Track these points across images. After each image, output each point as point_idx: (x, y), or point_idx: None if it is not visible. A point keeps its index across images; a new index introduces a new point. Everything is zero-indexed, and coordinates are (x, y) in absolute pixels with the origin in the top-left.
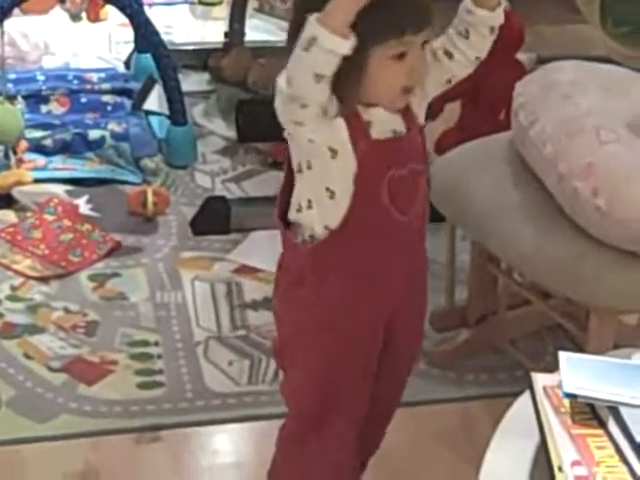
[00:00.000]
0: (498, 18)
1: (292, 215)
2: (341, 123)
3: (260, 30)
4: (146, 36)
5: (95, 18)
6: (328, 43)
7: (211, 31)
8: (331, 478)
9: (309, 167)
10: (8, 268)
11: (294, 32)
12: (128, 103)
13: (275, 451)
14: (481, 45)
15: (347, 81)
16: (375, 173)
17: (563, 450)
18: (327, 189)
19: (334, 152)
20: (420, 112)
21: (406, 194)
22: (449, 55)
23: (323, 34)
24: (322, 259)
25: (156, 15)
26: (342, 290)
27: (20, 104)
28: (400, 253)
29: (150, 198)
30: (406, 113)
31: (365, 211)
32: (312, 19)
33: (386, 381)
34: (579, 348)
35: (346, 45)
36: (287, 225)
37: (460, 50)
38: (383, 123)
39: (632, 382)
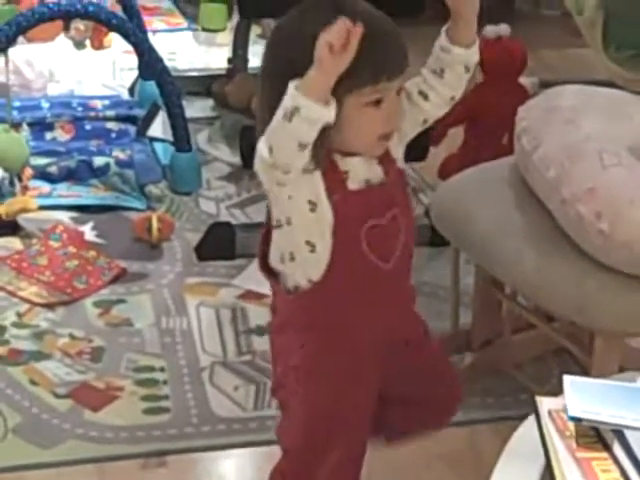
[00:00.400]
0: (474, 56)
1: (275, 265)
2: (318, 176)
3: None
4: (150, 63)
5: (99, 46)
6: (311, 113)
7: (214, 57)
8: None
9: (289, 223)
10: (14, 295)
11: (265, 110)
12: (132, 130)
13: None
14: (456, 84)
15: (323, 131)
16: (352, 224)
17: (568, 473)
18: (307, 242)
19: (313, 205)
20: (399, 155)
21: (387, 242)
22: (424, 96)
23: (305, 104)
24: (306, 309)
25: (160, 42)
26: (327, 338)
27: (25, 131)
28: (385, 298)
29: (155, 224)
30: (384, 159)
31: (346, 262)
32: (292, 89)
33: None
34: (584, 371)
35: (329, 112)
36: (270, 272)
37: (435, 90)
38: (360, 173)
39: (637, 405)
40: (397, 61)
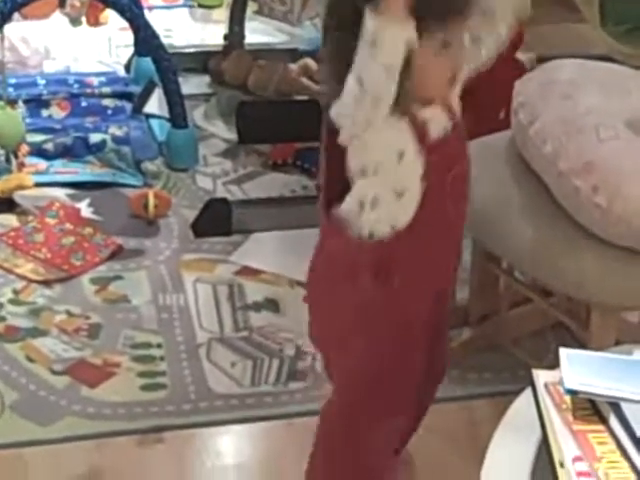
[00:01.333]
0: None
1: (350, 214)
2: (405, 125)
3: (259, 32)
4: (146, 40)
5: (95, 22)
6: (391, 31)
7: (211, 34)
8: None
9: (375, 171)
10: (10, 272)
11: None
12: (129, 106)
13: (317, 438)
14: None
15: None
16: (439, 173)
17: (564, 446)
18: (394, 191)
19: (401, 155)
20: (456, 105)
21: (460, 192)
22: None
23: (384, 24)
24: (384, 257)
25: (156, 18)
26: (406, 290)
27: (21, 108)
28: (453, 247)
29: (151, 201)
30: (449, 109)
31: (430, 211)
32: (370, 13)
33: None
34: (581, 346)
35: (409, 29)
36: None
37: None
38: (437, 122)
39: (633, 378)
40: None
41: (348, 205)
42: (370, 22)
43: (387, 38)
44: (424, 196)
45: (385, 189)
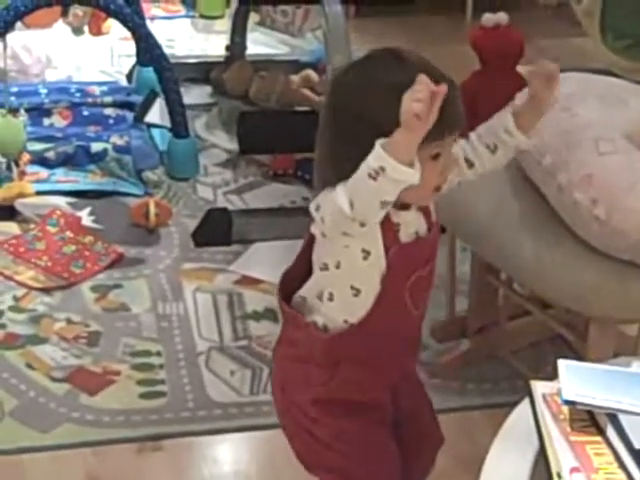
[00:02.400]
0: (529, 143)
1: (311, 300)
2: (377, 227)
3: (261, 43)
4: (148, 49)
5: (97, 32)
6: (397, 174)
7: (213, 44)
8: None
9: (337, 267)
10: (11, 279)
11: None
12: (130, 116)
13: None
14: (502, 162)
15: None
16: (402, 275)
17: (562, 457)
18: (352, 287)
19: (367, 254)
20: (433, 207)
21: (422, 291)
22: (470, 164)
23: (391, 165)
24: (336, 348)
25: (158, 29)
26: (352, 375)
27: (23, 117)
28: (407, 340)
29: (152, 210)
30: (426, 212)
31: (386, 309)
32: (378, 149)
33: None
34: (579, 358)
35: (415, 174)
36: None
37: (482, 163)
38: (410, 225)
39: (630, 389)
40: (459, 115)
41: (309, 291)
42: (376, 158)
43: (390, 177)
44: (382, 295)
45: (344, 284)
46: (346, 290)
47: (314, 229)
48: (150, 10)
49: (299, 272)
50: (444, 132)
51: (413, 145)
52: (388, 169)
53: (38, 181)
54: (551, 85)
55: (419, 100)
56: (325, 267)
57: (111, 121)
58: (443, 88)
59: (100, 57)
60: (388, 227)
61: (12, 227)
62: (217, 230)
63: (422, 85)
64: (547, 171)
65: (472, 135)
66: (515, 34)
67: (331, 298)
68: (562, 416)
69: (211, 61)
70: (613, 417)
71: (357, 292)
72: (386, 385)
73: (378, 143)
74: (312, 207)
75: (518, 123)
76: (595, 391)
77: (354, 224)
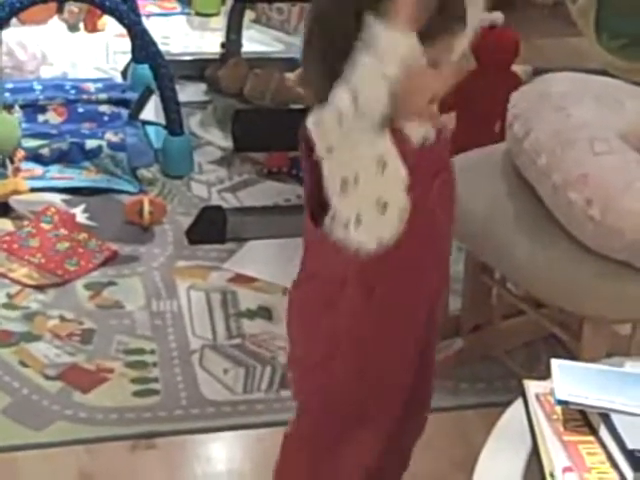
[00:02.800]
0: None
1: (338, 233)
2: (385, 134)
3: (257, 41)
4: (143, 47)
5: (93, 28)
6: (399, 41)
7: (208, 42)
8: None
9: (356, 181)
10: (4, 276)
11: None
12: (125, 113)
13: (279, 459)
14: None
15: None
16: (424, 181)
17: (555, 456)
18: (377, 204)
19: (383, 164)
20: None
21: (448, 200)
22: None
23: (392, 33)
24: (372, 272)
25: (153, 26)
26: (388, 302)
27: (17, 113)
28: (442, 258)
29: (146, 207)
30: (430, 118)
31: (417, 221)
32: (375, 21)
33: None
34: (573, 357)
35: (415, 41)
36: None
37: None
38: (419, 131)
39: (623, 389)
40: (464, 11)
41: (330, 225)
42: (376, 31)
43: (394, 49)
44: (411, 207)
45: (367, 203)
46: (372, 208)
47: (318, 149)
48: (146, 7)
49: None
50: (437, 35)
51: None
52: (390, 39)
53: (32, 178)
54: None
55: None
56: (345, 184)
57: (106, 118)
58: None
59: (95, 54)
60: (397, 135)
61: (6, 224)
62: (211, 228)
63: None
64: (542, 171)
65: None
66: (510, 34)
67: (359, 220)
68: (555, 416)
69: (206, 58)
70: (606, 417)
71: (384, 207)
72: (421, 313)
73: (372, 15)
74: (311, 123)
75: None
76: (588, 391)
77: (359, 121)
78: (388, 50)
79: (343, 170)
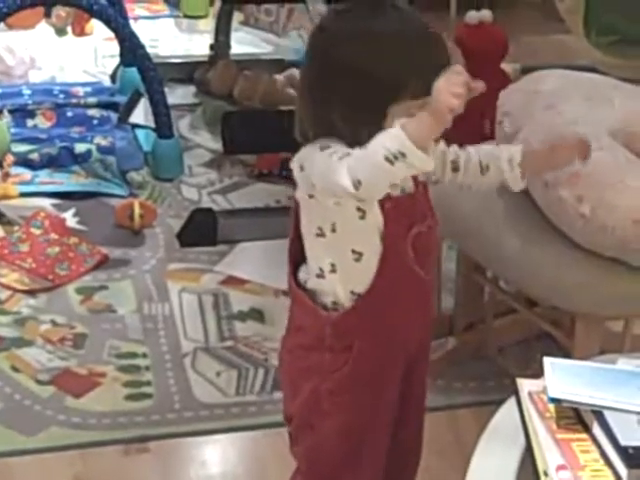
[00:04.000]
0: (520, 185)
1: (311, 282)
2: None
3: (245, 43)
4: (132, 50)
5: (80, 32)
6: (417, 161)
7: (197, 44)
8: None
9: (333, 230)
10: None
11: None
12: (114, 117)
13: None
14: (480, 186)
15: (363, 141)
16: (401, 230)
17: (548, 454)
18: (353, 251)
19: (363, 213)
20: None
21: (425, 250)
22: (455, 169)
23: (412, 151)
24: (348, 327)
25: (141, 29)
26: (367, 356)
27: (6, 118)
28: (420, 308)
29: (137, 211)
30: None
31: (392, 271)
32: (401, 134)
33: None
34: (566, 355)
35: (431, 163)
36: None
37: (467, 174)
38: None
39: (616, 386)
40: (448, 65)
41: (310, 269)
42: (397, 142)
43: (410, 165)
44: (384, 256)
45: (343, 250)
46: (347, 256)
47: (299, 193)
48: (133, 10)
49: (300, 247)
50: (426, 90)
51: (436, 134)
52: (409, 155)
53: (22, 183)
54: (579, 158)
55: (458, 96)
56: (321, 233)
57: (95, 122)
58: (481, 85)
59: (84, 58)
60: None
61: None
62: (202, 230)
63: (459, 78)
64: None
65: (471, 148)
66: (499, 31)
67: (333, 269)
68: (548, 414)
69: (195, 61)
70: (599, 414)
71: (359, 256)
72: (400, 366)
73: (398, 125)
74: (295, 165)
75: (523, 162)
76: (581, 388)
77: (353, 200)
78: (407, 164)
79: (323, 219)
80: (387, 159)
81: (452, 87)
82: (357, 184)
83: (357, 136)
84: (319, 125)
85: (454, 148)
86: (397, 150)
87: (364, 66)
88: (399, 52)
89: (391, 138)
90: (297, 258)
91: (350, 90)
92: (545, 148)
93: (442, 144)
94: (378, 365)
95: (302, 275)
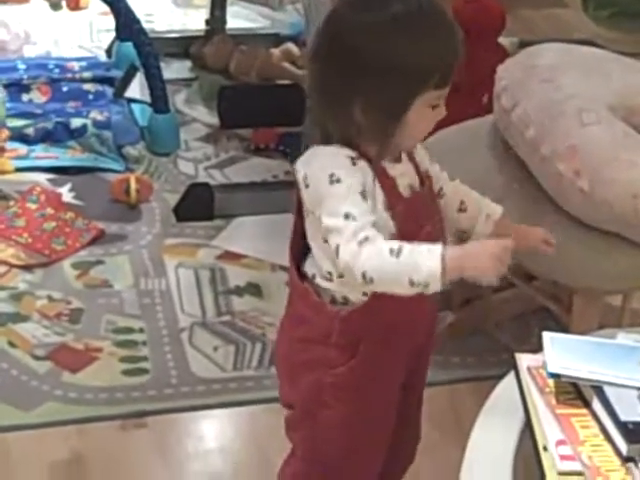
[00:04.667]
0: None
1: (319, 280)
2: (379, 189)
3: (241, 17)
4: (127, 24)
5: (75, 6)
6: (434, 288)
7: (192, 19)
8: None
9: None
10: None
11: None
12: (110, 91)
13: None
14: (450, 221)
15: (383, 133)
16: (411, 233)
17: (548, 430)
18: None
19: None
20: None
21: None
22: (440, 195)
23: (436, 284)
24: (357, 323)
25: (137, 3)
26: (374, 353)
27: (1, 93)
28: (426, 306)
29: (133, 186)
30: (418, 168)
31: None
32: (437, 271)
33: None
34: (564, 330)
35: (440, 286)
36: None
37: (447, 202)
38: (404, 177)
39: (616, 361)
40: (461, 64)
41: (320, 270)
42: (429, 273)
43: (428, 289)
44: None
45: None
46: None
47: (305, 203)
48: None
49: (302, 239)
50: (448, 81)
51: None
52: (431, 285)
53: (17, 157)
54: (540, 251)
55: (504, 264)
56: (329, 232)
57: (91, 96)
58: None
59: (79, 32)
60: (387, 183)
61: None
62: (199, 205)
63: (508, 253)
64: (530, 143)
65: (459, 181)
66: (496, 5)
67: (341, 274)
68: (548, 389)
69: (191, 35)
70: (599, 389)
71: None
72: (404, 363)
73: (439, 261)
74: (299, 174)
75: (498, 224)
76: (580, 363)
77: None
78: (424, 289)
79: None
80: (411, 282)
81: (502, 257)
82: (368, 281)
83: (376, 131)
84: (340, 121)
85: (444, 175)
86: (425, 280)
87: (393, 58)
88: (426, 41)
89: (428, 270)
90: (299, 252)
91: (378, 84)
92: (519, 226)
93: (437, 166)
94: (384, 361)
95: (308, 268)
